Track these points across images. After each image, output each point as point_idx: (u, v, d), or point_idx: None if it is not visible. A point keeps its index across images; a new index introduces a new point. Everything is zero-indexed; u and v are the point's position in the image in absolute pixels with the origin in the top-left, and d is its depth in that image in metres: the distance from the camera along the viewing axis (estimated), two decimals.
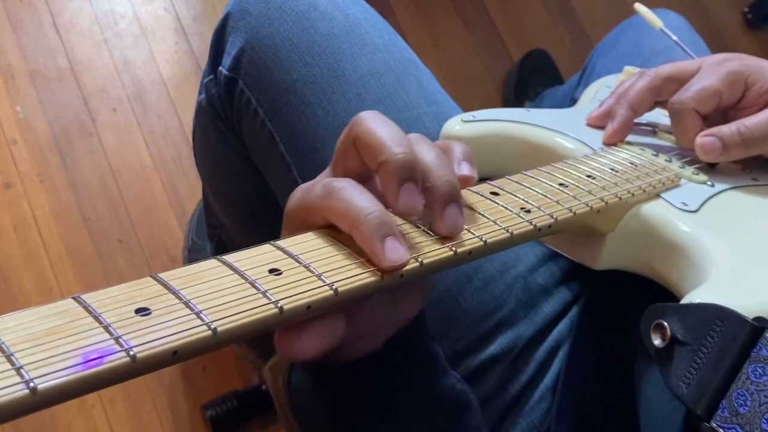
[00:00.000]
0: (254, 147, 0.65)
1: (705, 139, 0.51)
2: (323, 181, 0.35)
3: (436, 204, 0.35)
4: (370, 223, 0.32)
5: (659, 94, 0.55)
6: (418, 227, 0.35)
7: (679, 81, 0.54)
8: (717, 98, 0.52)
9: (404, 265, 0.32)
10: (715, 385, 0.33)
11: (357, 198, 0.33)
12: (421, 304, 0.42)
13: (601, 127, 0.57)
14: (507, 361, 0.58)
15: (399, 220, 0.36)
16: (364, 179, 0.36)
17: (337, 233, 0.34)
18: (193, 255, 1.11)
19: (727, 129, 0.51)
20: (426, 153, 0.36)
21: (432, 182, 0.35)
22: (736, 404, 0.32)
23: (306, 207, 0.35)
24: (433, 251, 0.34)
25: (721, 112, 0.54)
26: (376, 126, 0.35)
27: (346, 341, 0.35)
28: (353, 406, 0.40)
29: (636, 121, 0.56)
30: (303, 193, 0.36)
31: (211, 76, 0.67)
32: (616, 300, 0.56)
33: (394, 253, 0.32)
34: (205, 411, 1.06)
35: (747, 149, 0.51)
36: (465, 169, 0.38)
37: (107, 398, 1.07)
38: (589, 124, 0.57)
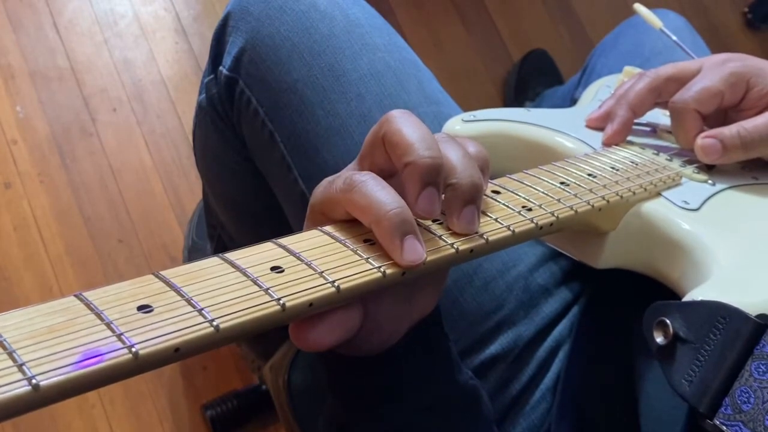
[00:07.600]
0: (254, 147, 0.65)
1: (706, 140, 0.51)
2: (345, 174, 0.34)
3: (457, 201, 0.35)
4: (391, 220, 0.32)
5: (659, 95, 0.55)
6: (421, 224, 0.35)
7: (679, 81, 0.53)
8: (718, 99, 0.51)
9: (422, 264, 0.32)
10: (717, 382, 0.33)
11: (379, 193, 0.33)
12: (437, 301, 0.42)
13: (601, 129, 0.57)
14: (507, 361, 0.58)
15: None
16: (388, 175, 0.36)
17: (339, 230, 0.34)
18: (193, 255, 1.11)
19: (727, 131, 0.51)
20: (453, 153, 0.36)
21: (457, 179, 0.35)
22: (739, 401, 0.32)
23: (328, 200, 0.35)
24: (436, 249, 0.34)
25: (721, 112, 0.54)
26: (406, 126, 0.35)
27: (360, 335, 0.36)
28: (370, 397, 0.40)
29: (636, 120, 0.56)
30: (326, 186, 0.35)
31: (212, 76, 0.67)
32: (617, 300, 0.56)
33: (412, 253, 0.32)
34: (205, 411, 1.06)
35: (746, 152, 0.51)
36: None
37: (107, 398, 1.07)
38: (588, 126, 0.57)
